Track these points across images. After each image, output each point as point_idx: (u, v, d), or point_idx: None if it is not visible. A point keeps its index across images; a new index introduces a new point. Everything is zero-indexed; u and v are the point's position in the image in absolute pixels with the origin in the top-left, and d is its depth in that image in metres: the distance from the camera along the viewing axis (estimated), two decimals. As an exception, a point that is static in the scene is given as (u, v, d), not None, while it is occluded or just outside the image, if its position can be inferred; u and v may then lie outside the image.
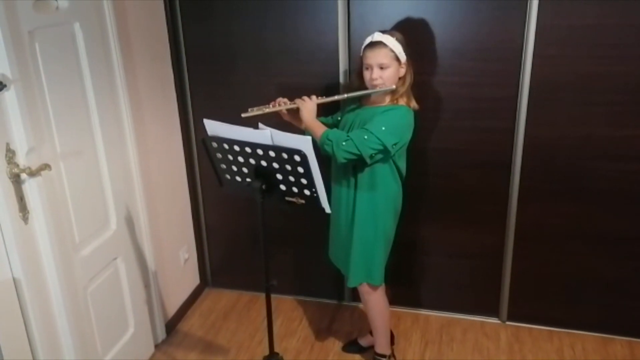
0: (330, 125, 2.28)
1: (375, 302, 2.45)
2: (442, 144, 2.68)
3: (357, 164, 2.19)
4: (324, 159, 2.10)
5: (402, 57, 2.14)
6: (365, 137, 2.07)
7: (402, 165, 2.29)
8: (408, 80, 2.18)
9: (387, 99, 2.21)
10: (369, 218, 2.26)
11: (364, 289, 2.42)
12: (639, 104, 2.40)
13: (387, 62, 2.11)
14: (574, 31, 2.36)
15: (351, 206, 2.28)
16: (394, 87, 2.15)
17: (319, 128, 2.16)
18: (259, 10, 2.66)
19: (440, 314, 3.03)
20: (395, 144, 2.11)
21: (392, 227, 2.36)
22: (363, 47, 2.17)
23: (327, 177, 2.19)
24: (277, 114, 2.29)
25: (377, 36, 2.13)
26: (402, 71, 2.17)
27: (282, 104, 2.25)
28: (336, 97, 2.25)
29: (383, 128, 2.07)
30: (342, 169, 2.26)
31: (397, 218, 2.37)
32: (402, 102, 2.19)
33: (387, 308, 2.51)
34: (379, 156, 2.14)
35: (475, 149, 2.65)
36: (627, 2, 2.27)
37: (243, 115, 2.16)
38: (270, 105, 2.25)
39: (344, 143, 2.07)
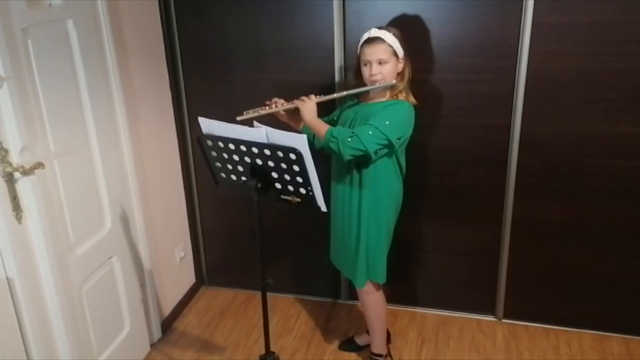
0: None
1: (374, 302, 2.45)
2: (438, 141, 2.67)
3: (360, 161, 2.18)
4: (322, 158, 2.09)
5: (400, 52, 2.13)
6: (370, 132, 2.06)
7: (403, 161, 2.29)
8: (406, 76, 2.18)
9: (387, 94, 2.20)
10: (372, 216, 2.25)
11: (365, 289, 2.41)
12: (636, 100, 2.40)
13: (386, 58, 2.11)
14: (571, 28, 2.35)
15: (355, 204, 2.26)
16: (394, 82, 2.15)
17: (322, 127, 2.14)
18: (255, 7, 2.65)
19: (436, 312, 3.03)
20: (399, 138, 2.10)
21: (393, 225, 2.36)
22: (360, 43, 2.16)
23: (325, 177, 2.18)
24: (273, 115, 2.26)
25: (375, 32, 2.12)
26: (400, 66, 2.16)
27: (278, 105, 2.22)
28: (335, 95, 2.23)
29: (387, 122, 2.07)
30: (344, 168, 2.24)
31: (397, 215, 2.37)
32: (402, 97, 2.18)
33: (385, 309, 2.50)
34: (384, 151, 2.13)
35: (472, 145, 2.64)
36: (625, -1, 2.27)
37: (238, 118, 2.12)
38: (267, 107, 2.22)
39: (349, 140, 2.06)
